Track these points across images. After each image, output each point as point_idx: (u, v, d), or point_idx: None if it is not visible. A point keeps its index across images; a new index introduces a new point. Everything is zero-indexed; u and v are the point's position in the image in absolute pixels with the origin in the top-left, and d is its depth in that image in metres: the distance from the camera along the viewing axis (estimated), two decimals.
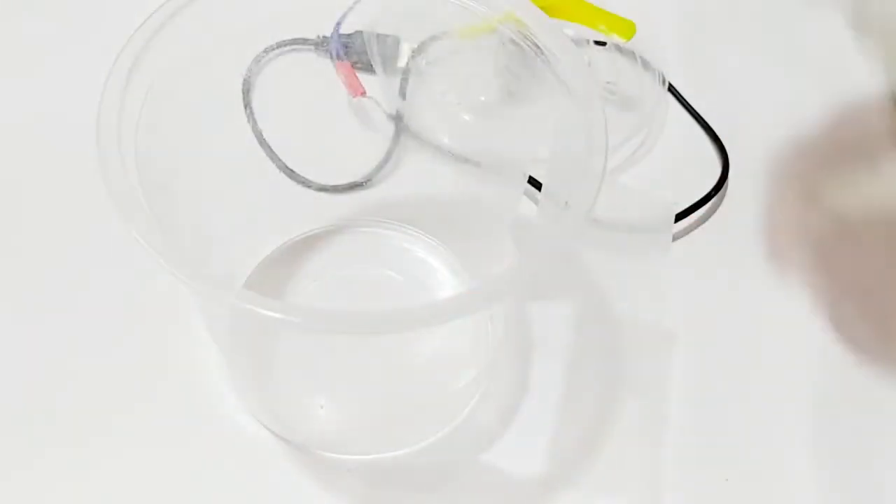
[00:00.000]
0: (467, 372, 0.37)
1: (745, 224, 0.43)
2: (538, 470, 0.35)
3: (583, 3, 0.46)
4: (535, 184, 0.37)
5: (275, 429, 0.36)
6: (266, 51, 0.43)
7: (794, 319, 0.40)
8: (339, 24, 0.42)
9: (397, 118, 0.43)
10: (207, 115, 0.36)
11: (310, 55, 0.44)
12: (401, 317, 0.24)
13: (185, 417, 0.36)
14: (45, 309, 0.38)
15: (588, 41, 0.46)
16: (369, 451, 0.36)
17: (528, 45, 0.30)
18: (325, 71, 0.42)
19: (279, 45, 0.43)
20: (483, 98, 0.43)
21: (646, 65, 0.47)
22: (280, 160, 0.41)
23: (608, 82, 0.46)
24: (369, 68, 0.43)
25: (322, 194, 0.42)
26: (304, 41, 0.44)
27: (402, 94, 0.43)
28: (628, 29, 0.45)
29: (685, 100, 0.47)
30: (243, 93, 0.42)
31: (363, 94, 0.42)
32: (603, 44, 0.47)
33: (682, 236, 0.43)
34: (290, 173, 0.41)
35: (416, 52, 0.43)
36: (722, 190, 0.44)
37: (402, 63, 0.43)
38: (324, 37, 0.43)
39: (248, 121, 0.41)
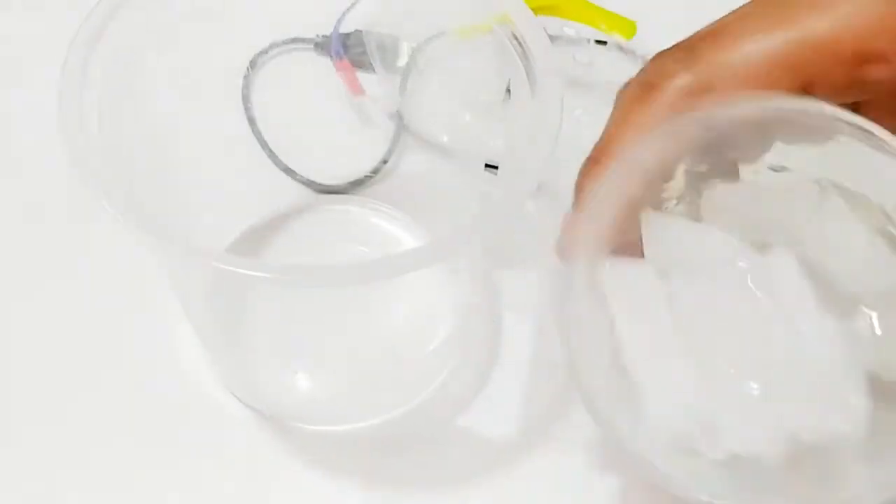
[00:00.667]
0: (439, 335, 0.38)
1: None
2: (514, 431, 0.36)
3: (584, 2, 0.45)
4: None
5: (252, 403, 0.36)
6: (266, 50, 0.43)
7: None
8: (338, 23, 0.42)
9: (397, 117, 0.43)
10: (207, 114, 0.36)
11: (310, 55, 0.44)
12: (360, 269, 0.26)
13: (161, 398, 0.36)
14: (11, 296, 0.39)
15: (589, 40, 0.46)
16: (345, 420, 0.36)
17: (515, 46, 0.30)
18: (325, 71, 0.42)
19: (279, 44, 0.43)
20: (483, 98, 0.42)
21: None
22: (280, 160, 0.41)
23: (609, 81, 0.46)
24: (369, 68, 0.43)
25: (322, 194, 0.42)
26: (304, 41, 0.44)
27: (402, 94, 0.43)
28: (629, 28, 0.45)
29: None
30: (243, 92, 0.42)
31: (363, 93, 0.42)
32: (604, 43, 0.47)
33: None
34: (290, 173, 0.41)
35: (416, 51, 0.43)
36: None
37: (401, 62, 0.43)
38: (324, 36, 0.43)
39: (248, 120, 0.41)
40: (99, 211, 0.25)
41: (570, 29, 0.45)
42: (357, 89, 0.42)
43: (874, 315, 0.24)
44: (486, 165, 0.38)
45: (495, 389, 0.37)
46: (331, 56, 0.42)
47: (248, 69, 0.42)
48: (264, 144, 0.41)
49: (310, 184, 0.41)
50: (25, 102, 0.40)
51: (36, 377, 0.37)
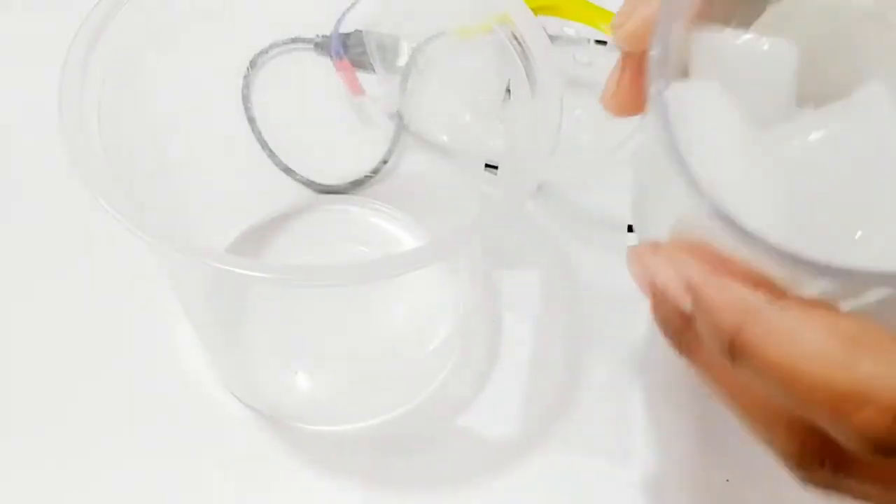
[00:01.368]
0: (439, 335, 0.38)
1: None
2: (514, 431, 0.37)
3: (584, 2, 0.45)
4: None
5: (252, 403, 0.36)
6: (266, 50, 0.43)
7: None
8: (338, 23, 0.42)
9: (397, 117, 0.43)
10: (207, 114, 0.37)
11: (310, 55, 0.44)
12: (360, 269, 0.26)
13: (161, 398, 0.36)
14: (11, 296, 0.39)
15: (589, 40, 0.46)
16: (345, 420, 0.36)
17: (515, 46, 0.30)
18: (325, 71, 0.42)
19: (279, 44, 0.43)
20: (483, 98, 0.42)
21: None
22: (279, 160, 0.41)
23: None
24: (369, 68, 0.43)
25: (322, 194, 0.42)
26: (304, 41, 0.44)
27: (402, 94, 0.43)
28: None
29: None
30: (243, 92, 0.42)
31: (363, 93, 0.42)
32: (604, 43, 0.47)
33: None
34: (290, 173, 0.41)
35: (416, 51, 0.43)
36: None
37: (401, 62, 0.43)
38: (324, 36, 0.43)
39: (248, 120, 0.41)
40: (99, 211, 0.25)
41: (570, 29, 0.45)
42: (357, 89, 0.42)
43: None
44: (486, 165, 0.38)
45: (495, 389, 0.37)
46: (331, 56, 0.43)
47: (248, 69, 0.42)
48: (264, 144, 0.41)
49: (310, 184, 0.41)
50: (25, 102, 0.40)
51: (36, 377, 0.37)
